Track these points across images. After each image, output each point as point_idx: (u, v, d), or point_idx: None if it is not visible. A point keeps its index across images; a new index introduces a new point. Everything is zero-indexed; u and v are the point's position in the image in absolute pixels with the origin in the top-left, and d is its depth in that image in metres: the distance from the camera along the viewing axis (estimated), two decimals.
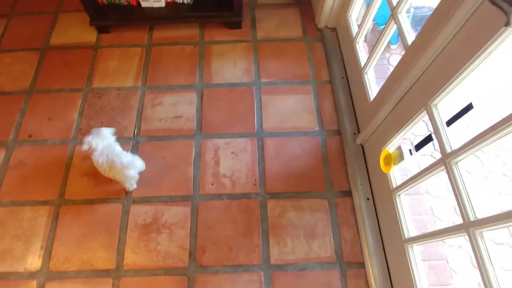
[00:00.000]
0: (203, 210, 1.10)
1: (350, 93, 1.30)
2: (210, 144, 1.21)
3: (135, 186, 1.11)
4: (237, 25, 1.47)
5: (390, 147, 1.01)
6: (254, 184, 1.14)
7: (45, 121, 1.27)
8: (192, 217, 1.09)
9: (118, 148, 1.05)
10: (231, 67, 1.38)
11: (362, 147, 1.20)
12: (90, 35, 1.46)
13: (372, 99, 1.10)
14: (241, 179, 1.15)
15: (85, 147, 1.00)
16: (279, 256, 1.04)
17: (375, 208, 1.10)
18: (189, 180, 1.15)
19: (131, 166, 1.01)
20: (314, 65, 1.38)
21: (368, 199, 1.12)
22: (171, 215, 1.10)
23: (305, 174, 1.16)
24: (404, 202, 0.96)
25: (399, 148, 0.94)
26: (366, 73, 1.16)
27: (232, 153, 1.20)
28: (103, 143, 1.01)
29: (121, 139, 1.22)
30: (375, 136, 1.09)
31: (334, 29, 1.46)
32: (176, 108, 1.28)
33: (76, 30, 1.47)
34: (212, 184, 1.14)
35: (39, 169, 1.18)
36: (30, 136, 1.24)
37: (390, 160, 0.98)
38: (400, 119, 0.91)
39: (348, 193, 1.13)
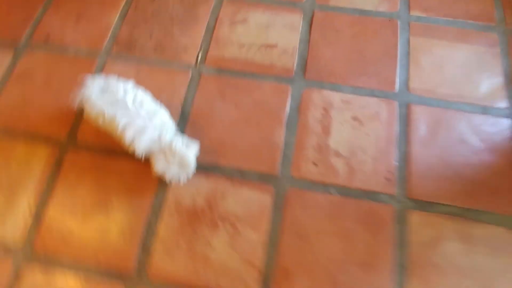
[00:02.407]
0: (295, 205, 0.63)
1: None
2: (317, 97, 0.72)
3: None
4: None
5: None
6: (388, 179, 0.65)
7: (72, 20, 0.84)
8: (274, 213, 0.63)
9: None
10: None
11: None
12: None
13: None
14: (366, 165, 0.66)
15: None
16: None
17: None
18: (275, 150, 0.68)
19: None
20: (504, 3, 0.82)
21: None
22: (239, 202, 0.64)
23: (483, 179, 0.65)
24: None
25: None
26: None
27: (353, 118, 0.70)
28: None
29: (175, 64, 0.77)
30: None
31: None
32: (269, 32, 0.80)
33: None
34: (315, 164, 0.66)
35: (49, 87, 0.76)
36: (48, 37, 0.82)
37: None
38: None
39: None
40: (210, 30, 0.81)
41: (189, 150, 0.57)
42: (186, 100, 0.73)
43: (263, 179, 0.65)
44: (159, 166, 0.57)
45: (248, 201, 0.64)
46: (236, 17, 0.82)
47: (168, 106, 0.72)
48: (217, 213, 0.63)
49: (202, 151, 0.67)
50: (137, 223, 0.62)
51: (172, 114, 0.70)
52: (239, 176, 0.66)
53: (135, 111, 0.55)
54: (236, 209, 0.63)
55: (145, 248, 0.61)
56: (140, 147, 0.56)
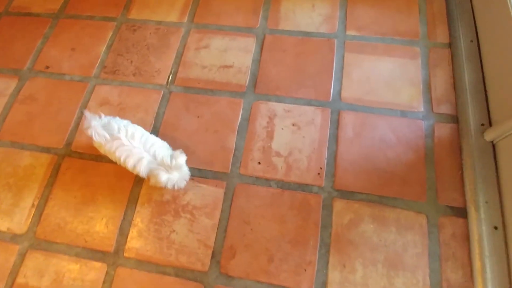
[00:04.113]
0: (241, 197, 0.78)
1: (482, 65, 0.86)
2: (264, 108, 0.88)
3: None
4: None
5: None
6: (319, 174, 0.79)
7: (68, 51, 1.02)
8: (224, 204, 0.78)
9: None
10: (307, 10, 1.01)
11: (493, 146, 0.78)
12: None
13: None
14: (301, 163, 0.80)
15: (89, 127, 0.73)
16: (342, 286, 0.69)
17: (506, 244, 0.69)
18: (228, 152, 0.83)
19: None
20: (428, 19, 0.95)
21: (496, 228, 0.71)
22: (197, 195, 0.79)
23: (396, 171, 0.78)
24: None
25: None
26: None
27: (293, 124, 0.85)
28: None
29: (150, 85, 0.93)
30: None
31: None
32: (227, 55, 0.96)
33: None
34: (259, 163, 0.81)
35: (49, 107, 0.94)
36: (47, 67, 1.00)
37: None
38: None
39: (462, 212, 0.73)
40: (179, 55, 0.97)
41: (178, 159, 0.70)
42: (158, 114, 0.89)
43: (217, 176, 0.81)
44: (162, 178, 0.69)
45: (204, 195, 0.79)
46: (200, 43, 0.98)
47: (143, 119, 0.88)
48: (180, 204, 0.79)
49: None
50: (117, 213, 0.78)
51: (146, 125, 0.87)
52: (198, 174, 0.81)
53: (129, 144, 0.70)
54: (195, 201, 0.79)
55: (122, 233, 0.77)
56: (142, 170, 0.71)
